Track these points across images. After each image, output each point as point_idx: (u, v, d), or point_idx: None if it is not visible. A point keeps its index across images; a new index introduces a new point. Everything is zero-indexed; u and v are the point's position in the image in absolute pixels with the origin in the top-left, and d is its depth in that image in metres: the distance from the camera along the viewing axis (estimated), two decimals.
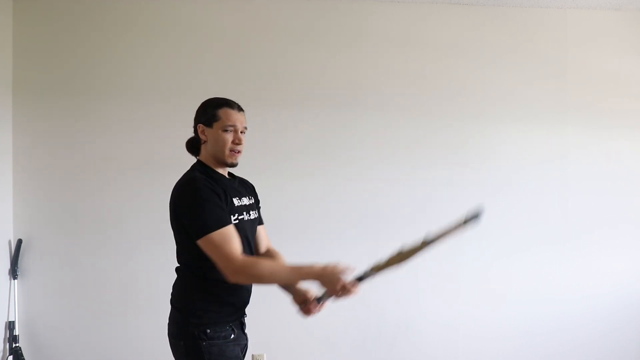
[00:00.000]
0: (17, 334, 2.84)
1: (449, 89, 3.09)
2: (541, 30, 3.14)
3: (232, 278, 1.55)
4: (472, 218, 1.61)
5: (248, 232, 1.74)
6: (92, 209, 2.95)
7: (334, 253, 3.05)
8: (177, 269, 1.75)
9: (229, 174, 1.81)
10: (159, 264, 2.96)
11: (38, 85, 2.95)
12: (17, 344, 2.83)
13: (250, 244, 1.75)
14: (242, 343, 1.73)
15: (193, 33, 3.01)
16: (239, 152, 1.71)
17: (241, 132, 1.71)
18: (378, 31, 3.08)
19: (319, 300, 1.74)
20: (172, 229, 1.70)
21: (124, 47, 2.98)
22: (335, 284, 1.57)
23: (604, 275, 3.12)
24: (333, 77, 3.06)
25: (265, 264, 1.61)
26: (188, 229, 1.60)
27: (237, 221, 1.66)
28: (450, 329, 3.08)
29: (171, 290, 1.74)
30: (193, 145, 1.79)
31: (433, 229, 1.64)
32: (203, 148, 1.74)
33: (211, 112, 1.70)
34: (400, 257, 1.64)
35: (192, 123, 2.93)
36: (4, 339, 2.84)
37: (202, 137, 1.72)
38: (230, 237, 1.56)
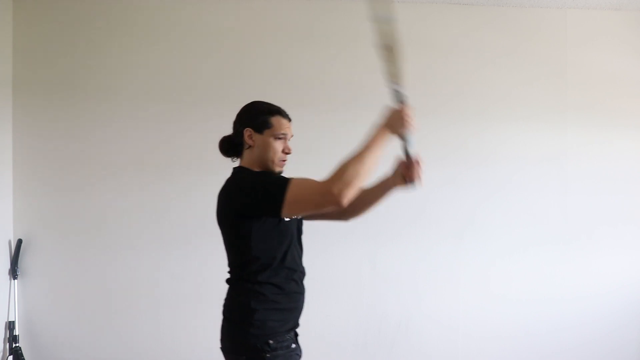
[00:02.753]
0: (17, 334, 2.84)
1: (449, 89, 3.09)
2: (541, 30, 3.14)
3: (339, 197, 1.41)
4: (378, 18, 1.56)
5: (295, 230, 1.70)
6: (92, 209, 2.95)
7: (334, 254, 3.05)
8: (228, 280, 1.68)
9: None
10: (160, 264, 2.96)
11: (38, 85, 2.95)
12: (17, 344, 2.83)
13: (295, 243, 1.69)
14: (299, 354, 1.67)
15: (193, 33, 3.01)
16: (284, 160, 1.68)
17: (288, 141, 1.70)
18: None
19: (407, 155, 1.63)
20: (223, 231, 1.65)
21: (124, 46, 2.98)
22: (399, 117, 1.50)
23: (604, 275, 3.12)
24: (333, 77, 3.06)
25: (347, 161, 1.45)
26: (262, 211, 1.52)
27: (288, 219, 1.62)
28: (450, 328, 3.08)
29: (223, 303, 1.67)
30: (231, 147, 1.71)
31: None
32: (247, 153, 1.68)
33: (263, 118, 1.65)
34: (390, 52, 1.60)
35: (192, 122, 2.98)
36: (4, 339, 2.84)
37: (248, 141, 1.65)
38: (302, 178, 1.49)
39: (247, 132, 1.65)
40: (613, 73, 3.15)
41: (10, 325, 2.84)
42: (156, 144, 2.98)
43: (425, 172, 1.67)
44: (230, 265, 1.67)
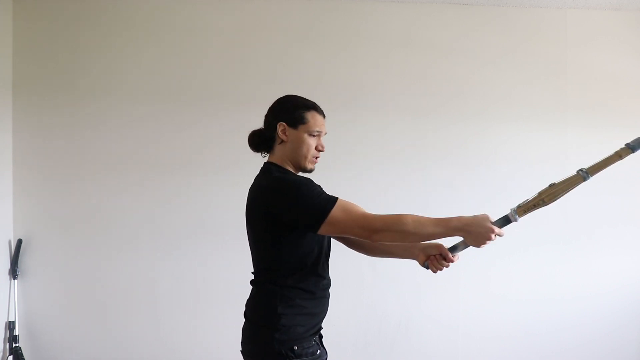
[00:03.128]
0: (17, 334, 2.84)
1: (449, 89, 3.09)
2: (541, 30, 3.14)
3: (376, 237, 1.44)
4: (637, 146, 1.47)
5: (326, 239, 1.67)
6: (92, 209, 2.95)
7: (333, 253, 3.05)
8: (253, 282, 1.64)
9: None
10: (159, 264, 2.96)
11: (38, 84, 2.95)
12: (17, 344, 2.83)
13: (326, 251, 1.67)
14: (325, 358, 1.64)
15: (193, 33, 3.01)
16: (317, 157, 1.64)
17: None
18: (378, 31, 3.08)
19: (453, 250, 1.63)
20: (252, 230, 1.61)
21: (123, 46, 2.99)
22: (486, 234, 1.45)
23: (604, 275, 3.12)
24: (333, 77, 3.06)
25: (409, 217, 1.44)
26: (299, 223, 1.49)
27: None
28: (450, 328, 3.08)
29: (246, 304, 1.64)
30: (262, 141, 1.66)
31: (589, 162, 1.52)
32: (279, 148, 1.62)
33: (298, 113, 1.59)
34: (551, 193, 1.52)
35: (192, 122, 2.98)
36: (4, 339, 2.84)
37: (282, 136, 1.60)
38: (349, 204, 1.46)
39: (281, 126, 1.60)
40: (613, 73, 3.15)
41: (10, 325, 2.84)
42: (156, 143, 2.98)
43: (450, 268, 1.69)
44: (256, 266, 1.64)
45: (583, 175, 1.53)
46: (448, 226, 1.46)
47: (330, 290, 1.72)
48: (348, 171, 3.04)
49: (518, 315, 3.09)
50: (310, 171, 1.65)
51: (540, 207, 1.54)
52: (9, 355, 2.81)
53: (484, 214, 1.49)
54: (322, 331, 1.69)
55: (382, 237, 1.44)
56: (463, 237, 1.51)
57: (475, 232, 1.46)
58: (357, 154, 3.05)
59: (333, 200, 1.46)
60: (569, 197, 3.16)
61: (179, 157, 2.98)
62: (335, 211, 1.44)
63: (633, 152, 1.49)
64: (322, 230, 1.46)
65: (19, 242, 2.89)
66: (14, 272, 2.86)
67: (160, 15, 3.00)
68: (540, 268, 3.10)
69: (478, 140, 3.10)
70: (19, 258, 2.88)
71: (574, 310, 3.10)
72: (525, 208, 1.54)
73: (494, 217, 1.51)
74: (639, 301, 3.14)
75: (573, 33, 3.16)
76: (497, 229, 1.47)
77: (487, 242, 1.47)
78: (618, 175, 3.12)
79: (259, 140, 1.66)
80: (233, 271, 2.86)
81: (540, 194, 1.54)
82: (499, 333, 3.08)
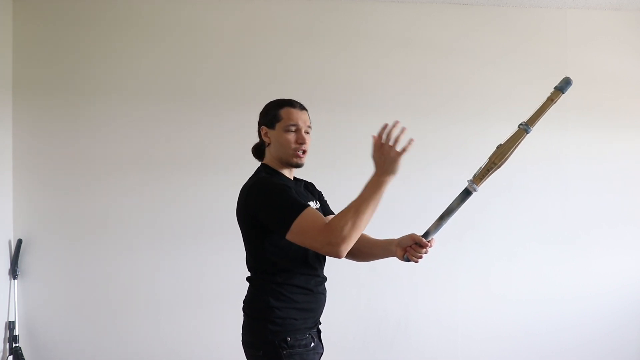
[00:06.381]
0: (17, 334, 2.84)
1: (449, 89, 3.09)
2: (541, 30, 3.14)
3: (334, 249, 1.42)
4: (564, 85, 1.55)
5: None
6: (92, 209, 2.95)
7: None
8: (248, 279, 1.68)
9: (294, 178, 1.76)
10: (159, 264, 2.96)
11: (38, 84, 2.95)
12: (17, 344, 2.83)
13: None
14: (319, 352, 1.65)
15: (193, 32, 3.01)
16: (304, 152, 1.64)
17: (305, 132, 1.65)
18: (378, 31, 3.08)
19: (426, 235, 1.64)
20: (242, 231, 1.65)
21: (123, 46, 2.99)
22: (393, 158, 1.55)
23: (604, 275, 3.12)
24: (333, 77, 3.06)
25: (342, 214, 1.43)
26: (270, 225, 1.52)
27: None
28: (450, 328, 3.08)
29: (243, 300, 1.68)
30: (258, 150, 1.73)
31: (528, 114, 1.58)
32: (267, 151, 1.69)
33: (273, 112, 1.65)
34: (500, 154, 1.57)
35: (192, 122, 2.99)
36: (4, 339, 2.84)
37: (265, 139, 1.67)
38: (313, 217, 1.45)
39: (263, 130, 1.67)
40: (613, 73, 3.15)
41: (10, 325, 2.84)
42: (156, 143, 2.98)
43: (429, 254, 1.73)
44: (248, 263, 1.67)
45: (524, 128, 1.61)
46: (368, 185, 1.53)
47: (327, 286, 1.73)
48: (348, 171, 3.04)
49: (518, 315, 3.09)
50: (298, 166, 1.67)
51: (494, 170, 1.61)
52: (9, 355, 2.81)
53: (376, 146, 1.61)
54: (320, 326, 1.71)
55: (341, 245, 1.41)
56: (387, 176, 1.58)
57: (384, 165, 1.57)
58: (356, 154, 3.05)
59: (301, 209, 1.46)
60: (568, 197, 3.18)
61: (179, 157, 2.99)
62: (299, 221, 1.44)
63: (563, 92, 1.60)
64: (290, 237, 1.46)
65: (19, 242, 2.89)
66: (14, 272, 2.86)
67: (161, 15, 3.00)
68: (540, 268, 3.10)
69: (478, 140, 3.10)
70: (19, 258, 2.88)
71: (574, 310, 3.10)
72: (481, 175, 1.61)
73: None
74: (639, 301, 3.14)
75: (573, 33, 3.16)
76: (394, 149, 1.55)
77: (395, 160, 1.57)
78: (618, 175, 3.14)
79: (257, 151, 1.74)
80: (233, 271, 2.84)
81: (490, 158, 1.61)
82: (499, 333, 3.08)
